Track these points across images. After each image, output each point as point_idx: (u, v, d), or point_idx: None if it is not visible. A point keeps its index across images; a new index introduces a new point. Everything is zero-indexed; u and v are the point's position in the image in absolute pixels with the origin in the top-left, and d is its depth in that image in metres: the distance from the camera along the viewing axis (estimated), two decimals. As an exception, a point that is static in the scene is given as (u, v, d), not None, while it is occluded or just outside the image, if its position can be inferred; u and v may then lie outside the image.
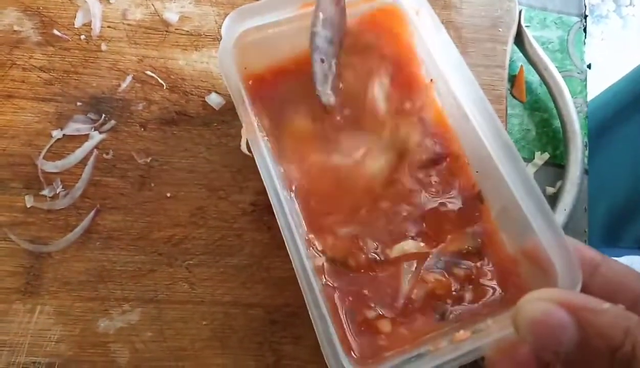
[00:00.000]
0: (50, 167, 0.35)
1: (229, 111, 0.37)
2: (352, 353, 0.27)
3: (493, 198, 0.30)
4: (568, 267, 0.25)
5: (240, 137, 0.35)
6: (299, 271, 0.27)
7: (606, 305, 0.21)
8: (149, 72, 0.37)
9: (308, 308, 0.26)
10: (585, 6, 0.45)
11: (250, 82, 0.32)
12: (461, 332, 0.27)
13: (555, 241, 0.26)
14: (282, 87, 0.33)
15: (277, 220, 0.28)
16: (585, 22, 0.44)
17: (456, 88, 0.30)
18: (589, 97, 0.48)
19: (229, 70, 0.31)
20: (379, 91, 0.33)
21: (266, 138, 0.31)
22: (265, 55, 0.33)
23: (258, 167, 0.29)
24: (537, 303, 0.21)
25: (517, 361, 0.24)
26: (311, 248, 0.29)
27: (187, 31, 0.38)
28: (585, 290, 0.24)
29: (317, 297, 0.26)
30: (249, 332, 0.33)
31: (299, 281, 0.27)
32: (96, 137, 0.36)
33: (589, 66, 0.43)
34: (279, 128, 0.32)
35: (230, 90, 0.30)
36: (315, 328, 0.26)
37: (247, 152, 0.31)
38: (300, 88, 0.32)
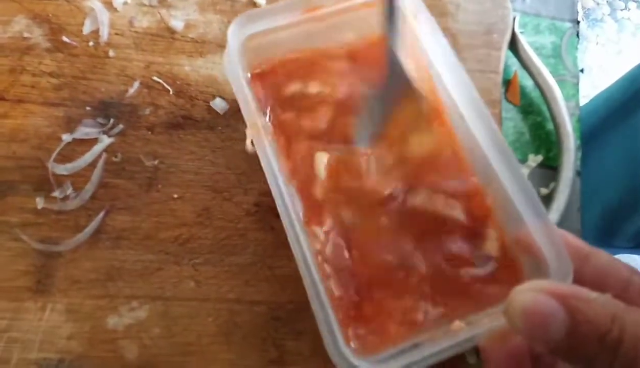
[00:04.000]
0: (61, 169, 0.36)
1: (233, 115, 0.38)
2: (352, 343, 0.28)
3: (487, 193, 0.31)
4: (559, 258, 0.26)
5: (245, 138, 0.37)
6: (301, 264, 0.27)
7: (594, 294, 0.22)
8: (155, 78, 0.38)
9: (309, 298, 0.27)
10: (578, 12, 0.46)
11: (255, 84, 0.34)
12: (456, 322, 0.28)
13: (546, 233, 0.27)
14: (288, 89, 0.34)
15: (281, 217, 0.29)
16: (578, 27, 0.45)
17: (452, 89, 0.31)
18: (584, 100, 0.49)
19: (234, 72, 0.31)
20: None
21: (270, 138, 0.32)
22: (271, 59, 0.34)
23: (262, 166, 0.30)
24: (528, 293, 0.22)
25: (510, 349, 0.25)
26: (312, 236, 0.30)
27: (192, 38, 0.40)
28: (576, 279, 0.25)
29: (318, 286, 0.26)
30: (253, 328, 0.34)
31: (301, 273, 0.27)
32: (105, 140, 0.37)
33: (581, 70, 0.45)
34: (284, 127, 0.33)
35: (235, 92, 0.31)
36: (316, 317, 0.26)
37: (251, 150, 0.32)
38: (306, 89, 0.34)
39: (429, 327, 0.29)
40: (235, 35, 0.32)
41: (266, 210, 0.36)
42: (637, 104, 0.54)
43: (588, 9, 1.45)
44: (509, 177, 0.29)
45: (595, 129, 0.57)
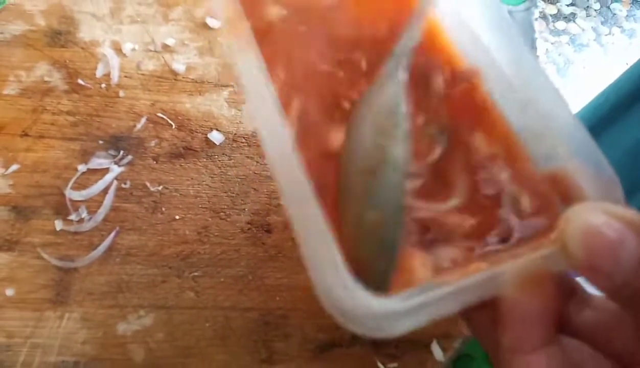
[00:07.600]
0: (77, 196, 0.40)
1: (228, 145, 0.43)
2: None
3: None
4: (603, 188, 0.19)
5: (240, 164, 0.41)
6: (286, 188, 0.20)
7: None
8: (160, 114, 0.43)
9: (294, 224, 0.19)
10: (537, 48, 0.51)
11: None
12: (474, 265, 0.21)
13: (583, 154, 0.20)
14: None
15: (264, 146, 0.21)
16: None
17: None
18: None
19: None
20: None
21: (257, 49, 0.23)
22: None
23: (244, 84, 0.22)
24: (592, 212, 0.17)
25: (541, 305, 0.19)
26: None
27: (193, 79, 0.45)
28: None
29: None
30: (245, 332, 0.38)
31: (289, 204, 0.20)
32: (115, 170, 0.41)
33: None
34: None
35: None
36: (306, 254, 0.19)
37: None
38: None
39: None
40: None
41: (257, 228, 0.41)
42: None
43: (574, 34, 1.51)
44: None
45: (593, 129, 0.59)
